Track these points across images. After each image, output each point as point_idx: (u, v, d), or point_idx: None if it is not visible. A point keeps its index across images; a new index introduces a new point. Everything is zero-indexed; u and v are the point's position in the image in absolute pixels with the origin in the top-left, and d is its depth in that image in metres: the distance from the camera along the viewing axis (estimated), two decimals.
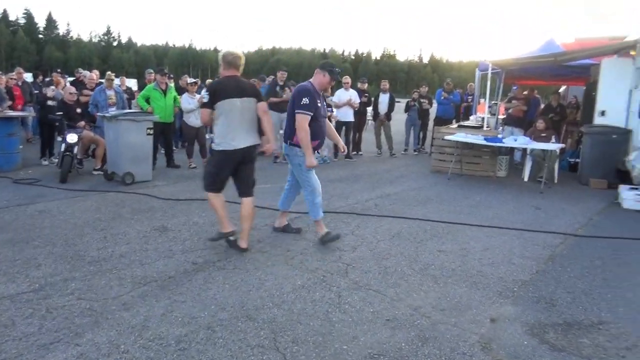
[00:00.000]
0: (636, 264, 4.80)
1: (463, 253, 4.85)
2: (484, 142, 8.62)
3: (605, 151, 8.52)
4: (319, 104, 4.72)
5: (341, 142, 5.40)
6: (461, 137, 8.90)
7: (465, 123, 11.51)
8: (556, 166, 8.90)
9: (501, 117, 12.62)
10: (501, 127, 11.13)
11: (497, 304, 3.73)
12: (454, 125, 11.09)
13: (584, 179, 8.79)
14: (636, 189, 7.28)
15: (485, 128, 10.41)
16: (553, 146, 8.48)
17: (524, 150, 9.30)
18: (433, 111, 12.94)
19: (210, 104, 4.47)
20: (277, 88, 9.80)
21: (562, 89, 16.31)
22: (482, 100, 12.06)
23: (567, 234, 5.66)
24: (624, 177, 8.03)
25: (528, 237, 5.52)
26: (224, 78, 4.56)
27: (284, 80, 9.98)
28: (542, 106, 12.58)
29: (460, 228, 5.71)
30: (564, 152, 10.65)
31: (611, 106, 9.05)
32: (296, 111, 4.62)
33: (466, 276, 4.25)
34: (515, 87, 13.48)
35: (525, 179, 8.96)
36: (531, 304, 3.76)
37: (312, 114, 4.59)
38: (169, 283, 3.83)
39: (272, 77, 10.49)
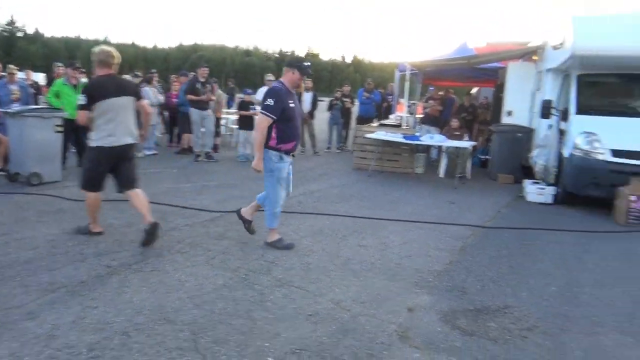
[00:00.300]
0: (538, 252, 5.20)
1: (383, 247, 5.01)
2: (403, 140, 8.96)
3: (511, 148, 9.16)
4: (292, 104, 4.57)
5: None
6: (381, 135, 9.18)
7: (386, 122, 11.88)
8: (469, 163, 9.44)
9: (419, 116, 13.15)
10: (419, 126, 11.60)
11: (413, 294, 3.89)
12: (375, 124, 11.41)
13: (493, 174, 9.40)
14: (538, 183, 7.88)
15: (404, 127, 10.80)
16: (466, 144, 8.99)
17: (440, 147, 9.76)
18: (356, 110, 13.24)
19: (88, 105, 4.45)
20: (198, 85, 9.56)
21: (475, 90, 17.31)
22: (401, 100, 12.50)
23: (477, 226, 6.02)
24: (528, 172, 8.68)
25: (443, 230, 5.81)
26: (100, 77, 4.58)
27: (205, 77, 9.76)
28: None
29: (380, 223, 5.89)
30: (476, 149, 11.32)
31: (517, 107, 9.76)
32: (259, 111, 4.59)
33: (385, 269, 4.39)
34: (431, 88, 14.12)
35: (441, 175, 9.41)
36: (445, 293, 3.96)
37: (274, 116, 4.42)
38: (80, 288, 3.62)
39: (193, 73, 10.20)
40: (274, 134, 4.51)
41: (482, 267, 4.60)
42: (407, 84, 11.14)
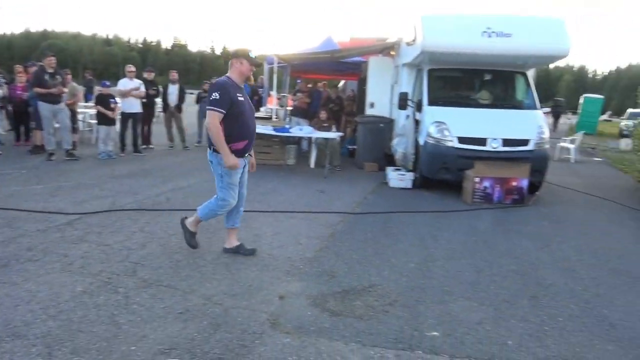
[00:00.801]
0: (399, 233, 5.62)
1: (255, 239, 5.04)
2: (273, 133, 9.05)
3: (375, 138, 9.75)
4: (241, 98, 4.21)
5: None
6: None
7: (256, 114, 11.86)
8: (338, 153, 9.84)
9: (289, 108, 13.38)
10: (289, 118, 11.80)
11: (285, 282, 3.99)
12: None
13: (360, 163, 9.93)
14: (399, 170, 8.51)
15: (274, 119, 10.91)
16: (333, 135, 9.37)
17: (310, 139, 10.04)
18: None
19: None
20: (46, 76, 8.64)
21: (342, 83, 18.08)
22: (272, 93, 12.61)
23: (345, 213, 6.34)
24: (391, 160, 9.32)
25: (314, 218, 6.01)
26: None
27: (53, 67, 8.81)
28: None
29: (252, 215, 5.90)
30: (345, 140, 11.85)
31: (378, 99, 10.40)
32: (207, 108, 4.16)
33: (257, 260, 4.44)
34: (299, 81, 14.42)
35: (312, 166, 9.70)
36: (315, 278, 4.12)
37: (223, 111, 4.07)
38: None
39: (40, 63, 9.19)
40: (222, 133, 4.12)
41: (350, 251, 4.86)
42: (275, 77, 11.25)
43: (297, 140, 10.47)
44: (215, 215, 4.47)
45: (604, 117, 38.70)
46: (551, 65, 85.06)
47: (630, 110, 27.80)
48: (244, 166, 4.48)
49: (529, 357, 3.07)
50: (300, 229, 5.49)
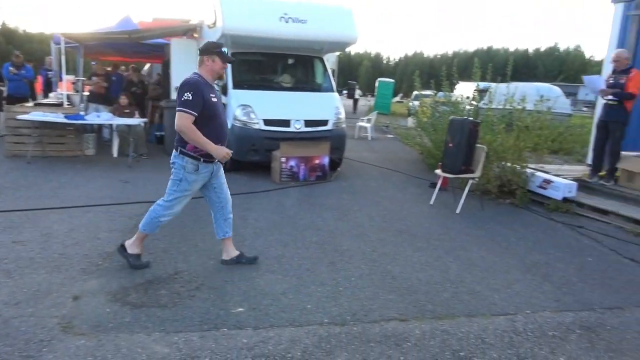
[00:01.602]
0: (207, 217, 5.55)
1: (44, 239, 4.52)
2: (65, 121, 8.16)
3: None
4: (214, 99, 3.82)
5: None
6: (38, 116, 8.13)
7: (45, 101, 10.57)
8: (143, 140, 9.31)
9: (86, 94, 12.17)
10: (85, 105, 10.73)
11: (80, 281, 3.68)
12: (30, 104, 9.99)
13: (169, 149, 9.55)
14: None
15: (66, 105, 9.82)
16: (136, 121, 8.83)
17: (111, 126, 9.30)
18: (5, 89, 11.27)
19: None
20: None
21: (147, 66, 17.05)
22: (65, 77, 11.28)
23: (152, 202, 6.03)
24: None
25: (116, 210, 5.63)
26: None
27: None
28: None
29: (41, 214, 5.28)
30: (151, 126, 11.26)
31: None
32: (177, 109, 3.68)
33: (47, 262, 3.99)
34: (94, 63, 13.21)
35: (115, 155, 9.03)
36: (115, 273, 3.88)
37: (195, 113, 3.63)
38: None
39: None
40: (197, 131, 3.69)
41: (155, 240, 4.66)
42: (63, 58, 10.08)
43: (98, 129, 9.61)
44: (159, 222, 4.00)
45: (397, 98, 43.72)
46: (352, 52, 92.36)
47: (415, 92, 31.89)
48: (212, 172, 4.05)
49: (325, 316, 3.37)
50: (99, 224, 5.09)
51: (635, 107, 6.82)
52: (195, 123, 3.69)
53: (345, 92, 17.30)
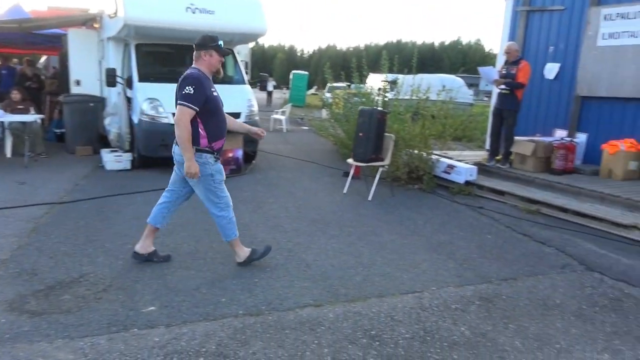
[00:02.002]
0: (115, 216, 5.36)
1: None
2: None
3: (85, 119, 8.93)
4: (215, 93, 3.81)
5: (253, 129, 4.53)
6: None
7: None
8: (40, 138, 8.67)
9: None
10: None
11: None
12: None
13: (71, 147, 8.98)
14: (115, 151, 8.03)
15: None
16: (31, 117, 8.20)
17: (2, 124, 8.56)
18: None
19: None
20: None
21: (44, 58, 15.84)
22: None
23: (52, 203, 5.69)
24: (106, 141, 8.70)
25: (11, 214, 5.22)
26: None
27: None
28: None
29: None
30: (50, 123, 10.50)
31: (85, 76, 9.52)
32: (178, 102, 3.63)
33: None
34: None
35: (9, 155, 8.33)
36: (11, 280, 3.61)
37: (196, 108, 3.61)
38: None
39: None
40: (202, 131, 3.73)
41: (57, 243, 4.41)
42: None
43: None
44: (231, 221, 4.00)
45: (312, 91, 44.08)
46: (266, 45, 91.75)
47: (329, 84, 32.37)
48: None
49: (240, 308, 3.37)
50: None
51: (526, 95, 7.45)
52: (201, 117, 3.70)
53: (258, 84, 17.19)
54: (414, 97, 8.90)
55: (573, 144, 7.17)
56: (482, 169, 7.48)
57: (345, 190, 6.96)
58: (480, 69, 7.75)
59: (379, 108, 7.47)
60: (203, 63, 3.82)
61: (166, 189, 4.17)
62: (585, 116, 7.55)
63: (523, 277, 4.16)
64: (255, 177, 7.73)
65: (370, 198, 6.58)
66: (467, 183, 7.12)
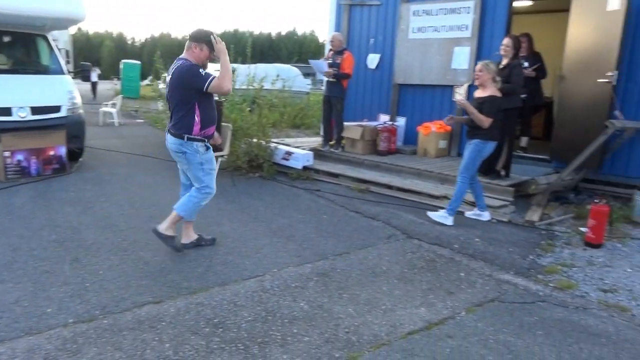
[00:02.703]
0: None
1: None
2: None
3: None
4: None
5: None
6: None
7: None
8: None
9: None
10: None
11: None
12: None
13: None
14: None
15: None
16: None
17: None
18: None
19: None
20: None
21: None
22: None
23: None
24: None
25: None
26: None
27: None
28: None
29: None
30: None
31: None
32: (206, 83, 3.83)
33: None
34: None
35: None
36: None
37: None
38: None
39: None
40: (197, 118, 3.95)
41: None
42: None
43: None
44: (199, 207, 4.25)
45: (146, 81, 41.61)
46: (91, 32, 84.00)
47: (164, 74, 30.85)
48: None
49: (70, 316, 3.12)
50: None
51: (352, 84, 8.02)
52: (199, 102, 3.92)
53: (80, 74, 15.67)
54: (250, 87, 8.99)
55: (394, 127, 7.96)
56: (318, 154, 7.90)
57: None
58: (312, 62, 8.13)
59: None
60: (192, 55, 3.97)
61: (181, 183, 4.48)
62: (403, 102, 8.42)
63: (355, 250, 4.54)
64: (83, 176, 7.11)
65: None
66: (305, 168, 7.46)
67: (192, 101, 3.92)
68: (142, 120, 15.36)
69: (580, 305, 3.57)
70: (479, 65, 5.21)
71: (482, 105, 5.13)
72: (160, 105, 17.86)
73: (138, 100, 24.00)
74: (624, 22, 5.81)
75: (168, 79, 4.05)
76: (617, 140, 6.19)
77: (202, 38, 3.96)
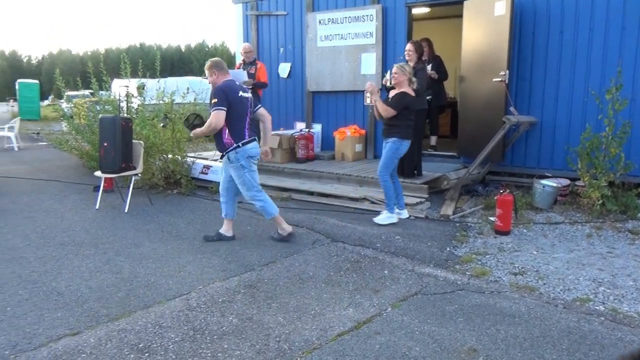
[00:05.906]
0: None
1: None
2: None
3: None
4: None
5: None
6: None
7: None
8: None
9: None
10: None
11: None
12: None
13: None
14: None
15: None
16: None
17: None
18: None
19: None
20: None
21: None
22: None
23: None
24: None
25: None
26: None
27: None
28: None
29: None
30: None
31: None
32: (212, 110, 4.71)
33: None
34: None
35: None
36: None
37: (224, 108, 4.72)
38: None
39: None
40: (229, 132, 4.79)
41: None
42: None
43: None
44: (269, 201, 4.96)
45: (47, 101, 38.93)
46: None
47: (67, 93, 29.10)
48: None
49: None
50: None
51: (268, 93, 8.03)
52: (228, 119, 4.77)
53: None
54: (160, 102, 8.72)
55: (311, 134, 8.08)
56: None
57: (97, 206, 6.43)
58: (231, 72, 8.02)
59: (122, 115, 7.10)
60: (210, 79, 4.96)
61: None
62: (318, 108, 8.58)
63: (281, 258, 4.55)
64: None
65: (126, 210, 6.24)
66: None
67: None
68: (45, 143, 14.35)
69: (495, 290, 3.83)
70: (395, 67, 5.44)
71: (391, 100, 5.38)
72: (65, 126, 16.84)
73: (39, 121, 22.42)
74: (510, 26, 6.33)
75: (247, 96, 4.96)
76: (514, 134, 6.72)
77: (216, 66, 4.98)
